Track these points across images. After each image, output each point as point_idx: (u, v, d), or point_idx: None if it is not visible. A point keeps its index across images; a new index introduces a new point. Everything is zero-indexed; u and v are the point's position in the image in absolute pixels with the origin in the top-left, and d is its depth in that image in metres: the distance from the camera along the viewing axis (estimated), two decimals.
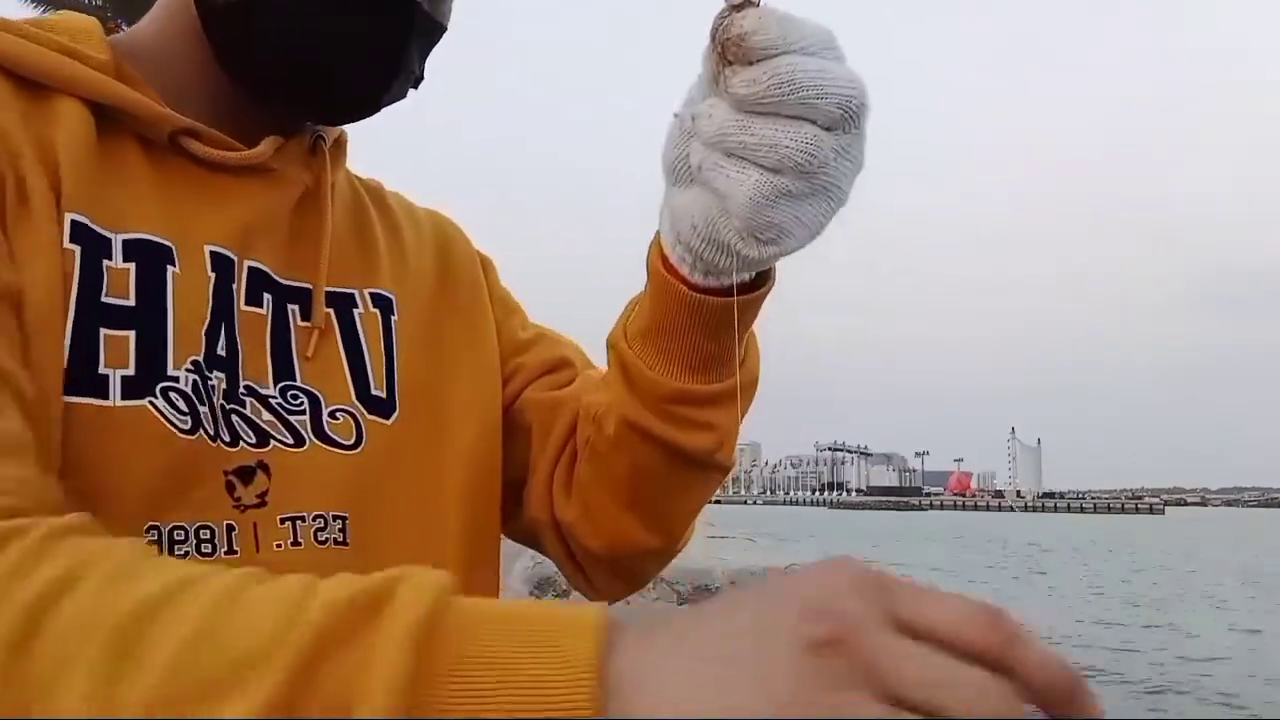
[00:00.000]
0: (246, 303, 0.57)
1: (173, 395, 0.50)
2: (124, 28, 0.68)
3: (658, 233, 0.54)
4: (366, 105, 0.62)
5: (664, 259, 0.53)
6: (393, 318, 0.65)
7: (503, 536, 0.69)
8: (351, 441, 0.58)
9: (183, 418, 0.51)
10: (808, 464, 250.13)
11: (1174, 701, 8.92)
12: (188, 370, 0.51)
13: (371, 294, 0.64)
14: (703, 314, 0.53)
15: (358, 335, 0.62)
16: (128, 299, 0.51)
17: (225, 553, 0.51)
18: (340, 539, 0.56)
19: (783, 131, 0.42)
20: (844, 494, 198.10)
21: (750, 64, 0.42)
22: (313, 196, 0.63)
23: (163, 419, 0.50)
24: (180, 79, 0.60)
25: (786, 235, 0.45)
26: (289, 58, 0.57)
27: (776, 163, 0.42)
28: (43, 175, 0.50)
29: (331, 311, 0.61)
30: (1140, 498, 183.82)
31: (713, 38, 0.43)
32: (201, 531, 0.50)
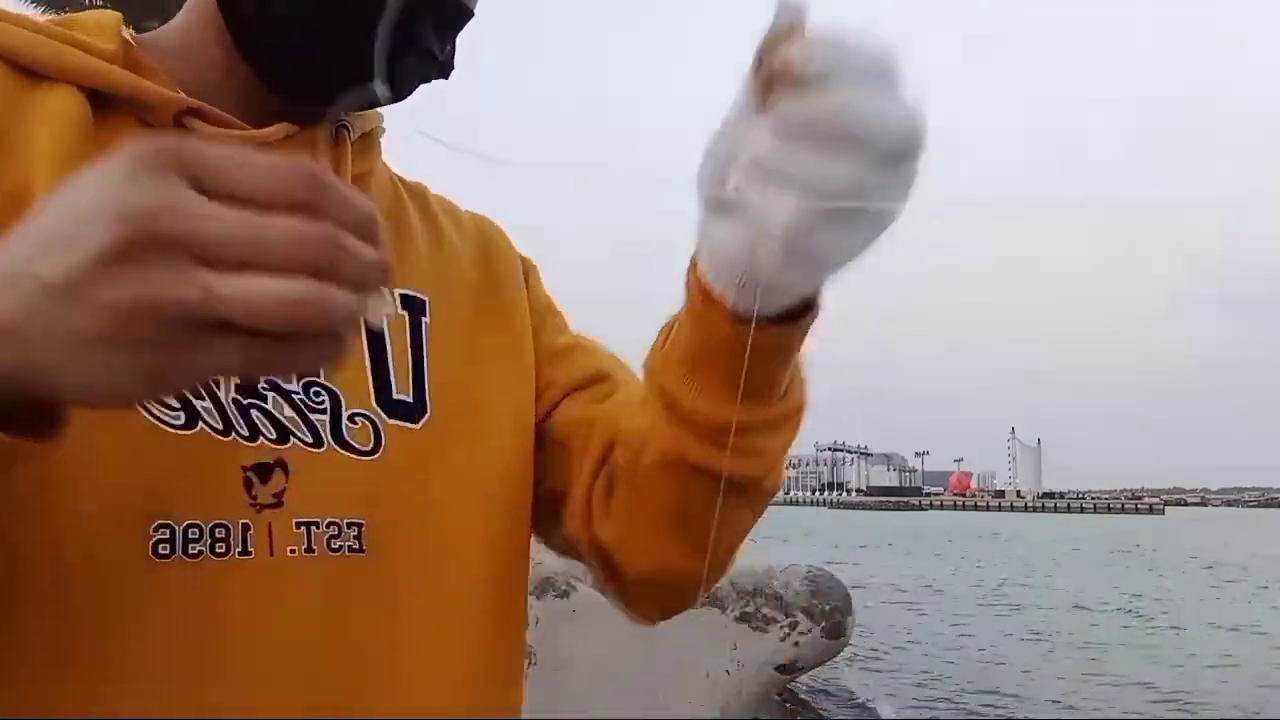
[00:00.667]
0: None
1: None
2: None
3: (694, 257, 0.51)
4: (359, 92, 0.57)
5: (703, 289, 0.50)
6: (424, 319, 0.63)
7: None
8: (369, 447, 0.57)
9: (174, 414, 0.50)
10: (808, 464, 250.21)
11: None
12: None
13: (401, 295, 0.63)
14: (746, 345, 0.50)
15: (383, 336, 0.60)
16: None
17: (239, 553, 0.50)
18: (356, 546, 0.55)
19: (828, 163, 0.39)
20: (844, 494, 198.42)
21: (798, 91, 0.39)
22: None
23: (148, 414, 0.49)
24: (204, 75, 0.59)
25: (824, 263, 0.44)
26: (281, 42, 0.57)
27: (817, 193, 0.40)
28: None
29: None
30: (1140, 498, 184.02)
31: (757, 62, 0.41)
32: (217, 530, 0.50)
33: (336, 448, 0.55)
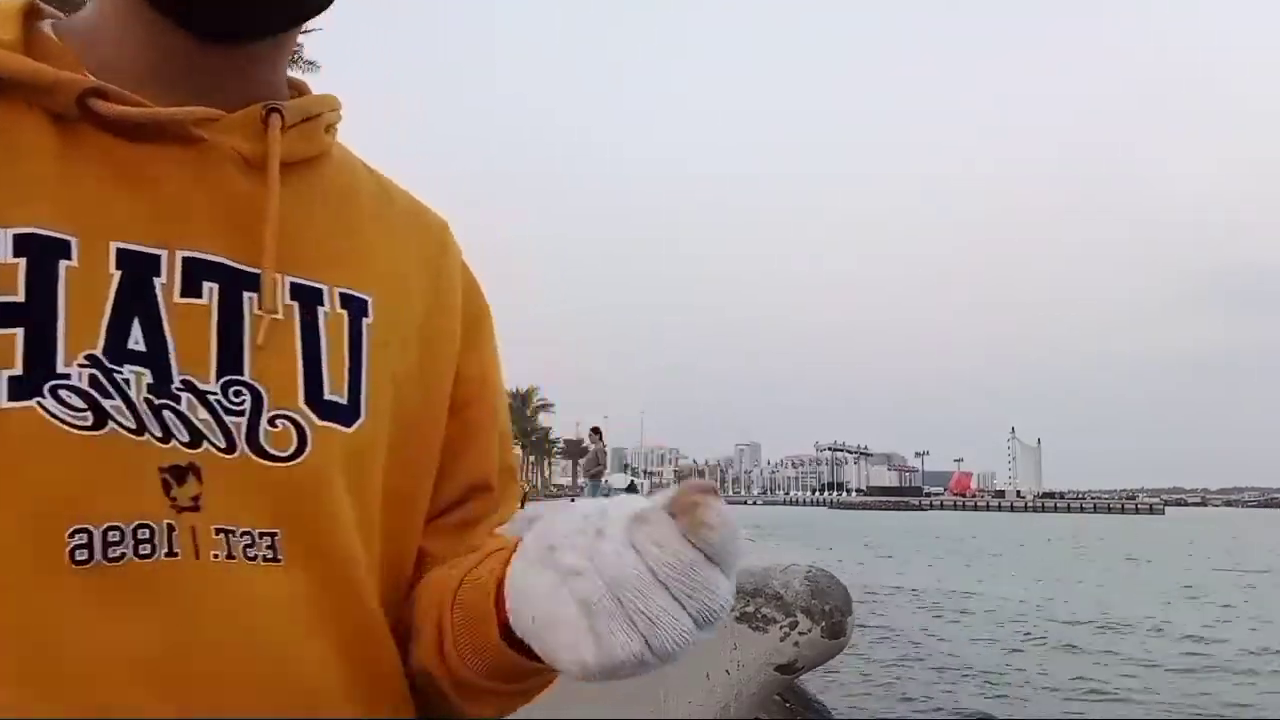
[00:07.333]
0: (183, 294, 0.52)
1: (64, 393, 0.47)
2: None
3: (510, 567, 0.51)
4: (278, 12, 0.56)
5: (498, 590, 0.52)
6: (365, 320, 0.60)
7: None
8: (288, 451, 0.54)
9: (80, 415, 0.48)
10: (808, 464, 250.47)
11: None
12: (82, 365, 0.48)
13: (342, 293, 0.59)
14: (505, 648, 0.53)
15: (318, 334, 0.57)
16: (16, 295, 0.48)
17: (165, 554, 0.48)
18: (271, 555, 0.52)
19: (669, 614, 0.43)
20: (844, 494, 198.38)
21: (684, 542, 0.43)
22: (258, 168, 0.57)
23: (53, 419, 0.47)
24: (121, 51, 0.55)
25: (620, 675, 0.44)
26: None
27: (648, 633, 0.43)
28: None
29: (296, 305, 0.56)
30: (1140, 498, 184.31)
31: (680, 495, 0.44)
32: (140, 531, 0.48)
33: (250, 454, 0.52)
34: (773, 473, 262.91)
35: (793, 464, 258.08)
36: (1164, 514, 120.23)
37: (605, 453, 15.84)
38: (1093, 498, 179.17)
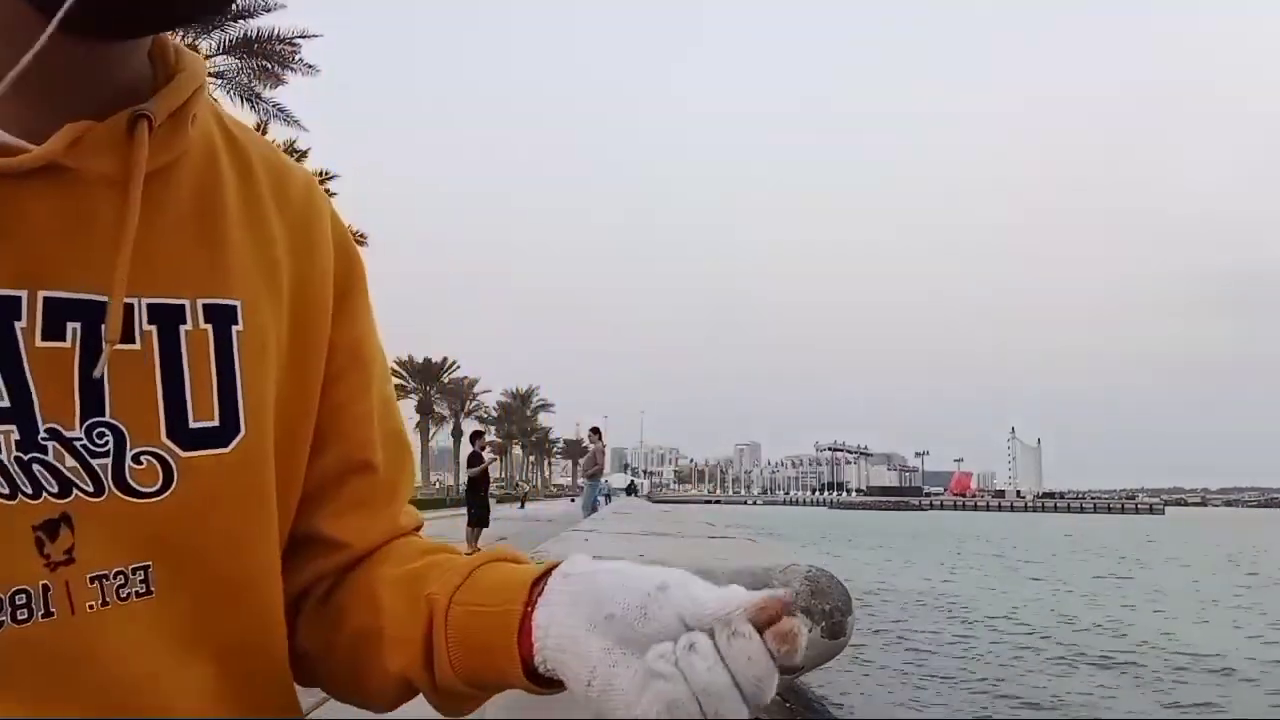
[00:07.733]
0: (45, 338, 0.50)
1: None
2: None
3: (542, 619, 0.53)
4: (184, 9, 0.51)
5: (526, 636, 0.53)
6: (235, 328, 0.57)
7: None
8: (155, 488, 0.53)
9: None
10: (808, 464, 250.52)
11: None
12: None
13: (205, 305, 0.56)
14: (517, 677, 0.55)
15: (180, 358, 0.54)
16: None
17: (42, 616, 0.48)
18: (143, 590, 0.52)
19: (738, 706, 0.47)
20: (844, 494, 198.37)
21: (770, 658, 0.47)
22: (121, 188, 0.52)
23: None
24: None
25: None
26: None
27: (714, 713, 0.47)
28: None
29: (155, 329, 0.54)
30: (1140, 498, 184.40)
31: (771, 611, 0.48)
32: (17, 597, 0.47)
33: (118, 493, 0.52)
34: (773, 473, 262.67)
35: (793, 464, 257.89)
36: (1164, 514, 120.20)
37: (603, 453, 15.81)
38: (1093, 498, 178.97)
